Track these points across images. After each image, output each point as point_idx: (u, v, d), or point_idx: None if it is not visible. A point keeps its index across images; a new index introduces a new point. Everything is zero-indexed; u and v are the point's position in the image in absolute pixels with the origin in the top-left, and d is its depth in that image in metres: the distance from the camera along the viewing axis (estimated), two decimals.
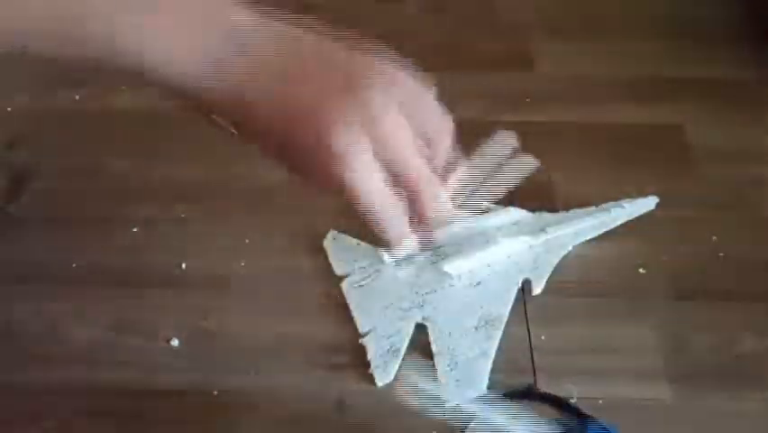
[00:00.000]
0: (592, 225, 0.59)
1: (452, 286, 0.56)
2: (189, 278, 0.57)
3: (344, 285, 0.57)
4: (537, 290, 0.56)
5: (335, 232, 0.59)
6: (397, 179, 0.37)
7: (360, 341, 0.53)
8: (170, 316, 0.55)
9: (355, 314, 0.55)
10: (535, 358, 0.54)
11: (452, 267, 0.56)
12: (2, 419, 0.50)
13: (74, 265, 0.57)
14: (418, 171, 0.38)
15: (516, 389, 0.51)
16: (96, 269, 0.57)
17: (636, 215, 0.60)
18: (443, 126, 0.39)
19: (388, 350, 0.53)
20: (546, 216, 0.60)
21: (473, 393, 0.50)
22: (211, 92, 0.37)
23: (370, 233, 0.43)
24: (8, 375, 0.52)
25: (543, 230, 0.58)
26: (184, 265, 0.58)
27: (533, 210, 0.60)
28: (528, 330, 0.55)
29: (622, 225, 0.60)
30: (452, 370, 0.52)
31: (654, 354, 0.54)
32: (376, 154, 0.36)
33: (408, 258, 0.57)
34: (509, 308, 0.55)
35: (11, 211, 0.61)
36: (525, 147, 0.66)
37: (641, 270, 0.58)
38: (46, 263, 0.58)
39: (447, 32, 0.76)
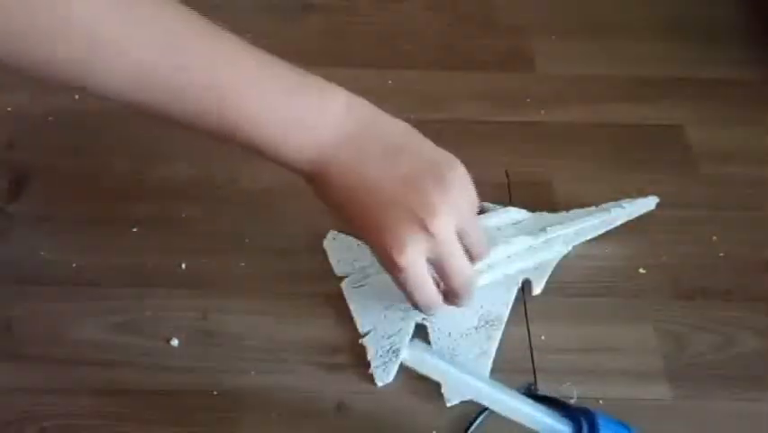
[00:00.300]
0: (592, 224, 0.59)
1: None
2: (189, 278, 0.57)
3: (344, 285, 0.56)
4: (537, 290, 0.56)
5: (335, 232, 0.59)
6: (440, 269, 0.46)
7: (360, 341, 0.53)
8: (170, 316, 0.55)
9: (355, 314, 0.55)
10: (535, 358, 0.54)
11: None
12: (2, 419, 0.50)
13: (74, 265, 0.57)
14: (460, 276, 0.47)
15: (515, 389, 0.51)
16: (96, 269, 0.57)
17: (636, 215, 0.60)
18: (482, 247, 0.49)
19: (389, 350, 0.52)
20: (546, 216, 0.60)
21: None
22: (301, 165, 0.45)
23: None
24: (8, 375, 0.52)
25: (543, 230, 0.58)
26: (184, 265, 0.58)
27: (533, 210, 0.60)
28: (528, 330, 0.55)
29: (622, 225, 0.60)
30: None
31: (654, 354, 0.54)
32: (428, 250, 0.44)
33: None
34: (509, 308, 0.55)
35: (11, 211, 0.61)
36: (526, 147, 0.67)
37: (641, 270, 0.58)
38: (46, 263, 0.58)
39: (447, 31, 0.76)
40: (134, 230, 0.60)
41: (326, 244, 0.59)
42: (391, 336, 0.53)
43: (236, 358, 0.53)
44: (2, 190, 0.62)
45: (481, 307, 0.55)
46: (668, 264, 0.59)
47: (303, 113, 0.44)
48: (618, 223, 0.60)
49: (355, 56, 0.73)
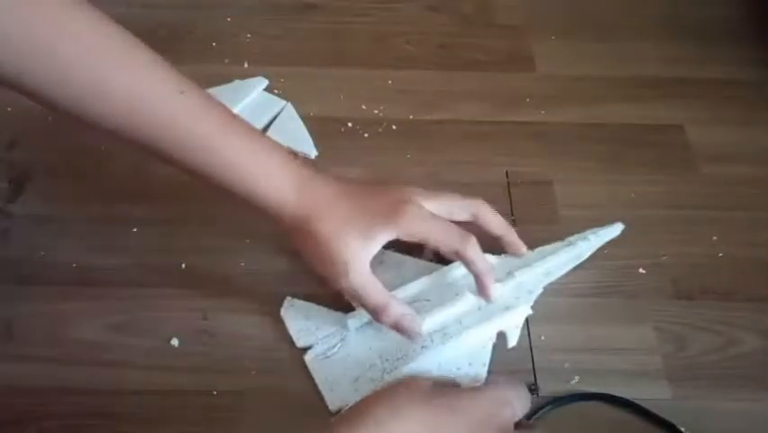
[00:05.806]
0: (560, 262, 0.56)
1: (424, 348, 0.51)
2: (189, 278, 0.57)
3: (308, 358, 0.53)
4: (512, 342, 0.53)
5: (291, 299, 0.56)
6: None
7: (331, 420, 0.49)
8: (170, 316, 0.55)
9: (323, 390, 0.51)
10: (535, 358, 0.54)
11: (423, 326, 0.52)
12: (2, 419, 0.50)
13: (74, 265, 0.57)
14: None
15: None
16: (96, 269, 0.57)
17: (602, 243, 0.58)
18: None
19: None
20: (512, 259, 0.56)
21: None
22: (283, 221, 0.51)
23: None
24: (8, 375, 0.52)
25: (510, 274, 0.55)
26: (184, 265, 0.58)
27: (498, 254, 0.56)
28: (528, 330, 0.55)
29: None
30: None
31: (654, 354, 0.54)
32: None
33: (373, 322, 0.53)
34: (487, 367, 0.51)
35: (11, 211, 0.61)
36: (526, 147, 0.67)
37: (641, 270, 0.58)
38: (46, 263, 0.58)
39: (447, 32, 0.76)
40: (134, 230, 0.60)
41: (283, 312, 0.55)
42: None
43: (236, 358, 0.53)
44: (2, 190, 0.62)
45: (458, 369, 0.51)
46: (668, 264, 0.59)
47: None
48: (586, 256, 0.57)
49: (355, 56, 0.73)
